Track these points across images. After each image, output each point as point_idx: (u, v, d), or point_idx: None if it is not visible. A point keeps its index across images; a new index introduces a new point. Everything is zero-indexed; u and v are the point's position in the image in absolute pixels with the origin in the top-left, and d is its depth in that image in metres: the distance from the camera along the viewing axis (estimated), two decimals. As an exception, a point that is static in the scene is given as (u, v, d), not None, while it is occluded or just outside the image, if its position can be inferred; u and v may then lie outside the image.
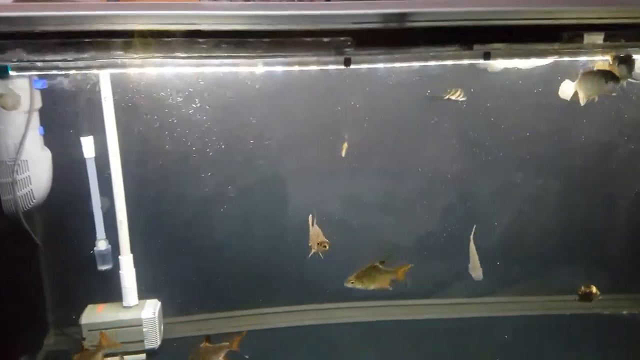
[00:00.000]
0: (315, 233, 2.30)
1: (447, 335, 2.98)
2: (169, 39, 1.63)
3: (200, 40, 1.69)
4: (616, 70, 1.86)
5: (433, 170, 3.03)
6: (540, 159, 3.04)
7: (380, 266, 2.17)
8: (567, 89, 2.18)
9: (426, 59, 1.73)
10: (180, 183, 2.86)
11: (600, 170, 3.08)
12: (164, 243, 2.90)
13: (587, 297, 2.74)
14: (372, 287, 2.18)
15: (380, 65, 2.22)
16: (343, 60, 1.69)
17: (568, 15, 1.40)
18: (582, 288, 2.76)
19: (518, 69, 2.48)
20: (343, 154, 2.71)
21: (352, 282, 2.18)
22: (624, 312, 3.15)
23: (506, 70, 2.54)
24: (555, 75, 2.35)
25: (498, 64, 2.45)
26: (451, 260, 2.96)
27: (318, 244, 2.26)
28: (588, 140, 3.01)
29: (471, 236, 2.54)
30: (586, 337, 2.92)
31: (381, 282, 2.19)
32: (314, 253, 2.32)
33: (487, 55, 1.47)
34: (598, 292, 2.73)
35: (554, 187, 3.13)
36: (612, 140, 3.03)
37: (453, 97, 2.63)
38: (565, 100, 2.19)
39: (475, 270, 2.54)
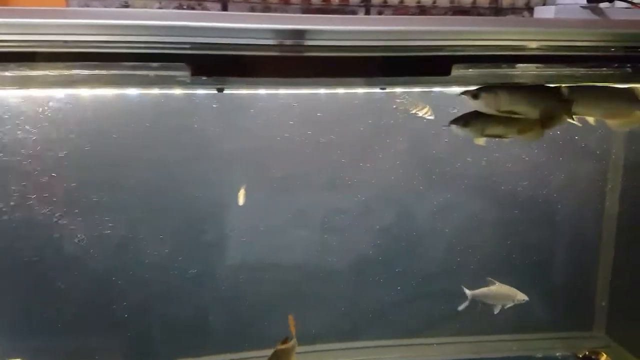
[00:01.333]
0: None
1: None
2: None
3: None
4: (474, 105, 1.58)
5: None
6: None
7: None
8: None
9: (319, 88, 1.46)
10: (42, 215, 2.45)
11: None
12: (30, 287, 2.49)
13: None
14: None
15: (262, 92, 1.94)
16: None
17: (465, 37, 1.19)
18: (586, 352, 2.60)
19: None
20: (241, 201, 2.42)
21: None
22: (557, 355, 2.98)
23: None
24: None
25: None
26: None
27: None
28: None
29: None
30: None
31: None
32: None
33: (383, 88, 1.25)
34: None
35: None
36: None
37: (420, 114, 2.47)
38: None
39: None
